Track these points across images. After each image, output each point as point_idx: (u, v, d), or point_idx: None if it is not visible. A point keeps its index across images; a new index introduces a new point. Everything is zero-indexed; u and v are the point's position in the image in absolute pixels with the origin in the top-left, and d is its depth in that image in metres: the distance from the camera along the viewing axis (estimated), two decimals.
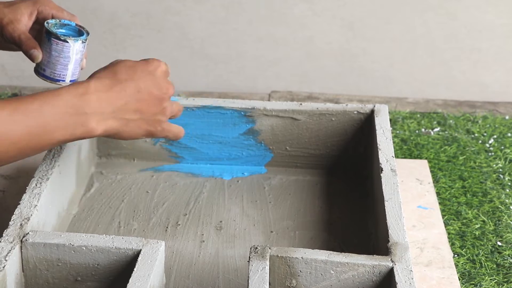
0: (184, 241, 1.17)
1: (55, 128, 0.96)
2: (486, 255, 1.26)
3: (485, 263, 1.24)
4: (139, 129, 1.04)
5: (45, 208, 1.08)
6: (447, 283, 1.16)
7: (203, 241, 1.17)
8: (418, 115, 1.70)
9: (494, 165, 1.50)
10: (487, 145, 1.59)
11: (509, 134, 1.63)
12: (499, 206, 1.37)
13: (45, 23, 1.08)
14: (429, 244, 1.24)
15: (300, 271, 0.99)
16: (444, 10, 1.79)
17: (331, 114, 1.27)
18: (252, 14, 1.82)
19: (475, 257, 1.26)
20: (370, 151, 1.25)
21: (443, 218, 1.32)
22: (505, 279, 1.22)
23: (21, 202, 1.05)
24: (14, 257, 0.98)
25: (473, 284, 1.20)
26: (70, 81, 1.10)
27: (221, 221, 1.21)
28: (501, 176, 1.47)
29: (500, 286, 1.20)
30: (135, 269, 0.95)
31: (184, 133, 1.11)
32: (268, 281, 0.94)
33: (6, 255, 0.97)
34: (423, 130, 1.64)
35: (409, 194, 1.35)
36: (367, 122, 1.27)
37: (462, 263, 1.24)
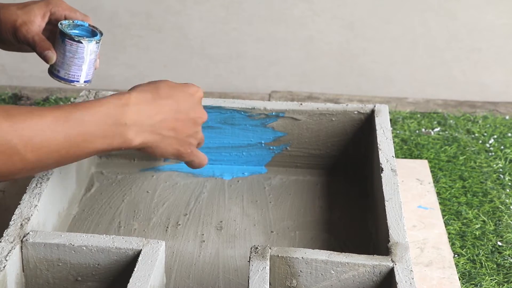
0: (184, 241, 1.17)
1: (94, 138, 0.97)
2: (486, 255, 1.26)
3: (486, 263, 1.24)
4: (171, 147, 1.05)
5: (46, 208, 1.08)
6: (447, 283, 1.16)
7: (204, 241, 1.17)
8: (419, 115, 1.70)
9: (494, 165, 1.50)
10: (487, 145, 1.59)
11: (509, 134, 1.63)
12: (500, 206, 1.38)
13: (59, 24, 1.09)
14: (430, 244, 1.24)
15: (301, 271, 0.99)
16: (444, 10, 1.79)
17: (332, 114, 1.27)
18: (252, 14, 1.82)
19: (475, 257, 1.26)
20: (371, 151, 1.25)
21: (443, 218, 1.32)
22: (506, 279, 1.22)
23: (21, 202, 1.05)
24: (15, 257, 0.98)
25: (473, 284, 1.20)
26: (84, 81, 1.11)
27: (221, 221, 1.21)
28: (501, 176, 1.47)
29: (501, 286, 1.20)
30: (135, 269, 0.95)
31: (207, 162, 1.14)
32: (268, 281, 0.94)
33: (7, 255, 0.97)
34: (423, 130, 1.64)
35: (410, 194, 1.35)
36: (368, 122, 1.27)
37: (462, 263, 1.24)
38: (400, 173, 1.30)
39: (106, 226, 1.19)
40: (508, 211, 1.36)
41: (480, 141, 1.60)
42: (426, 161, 1.46)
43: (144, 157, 1.32)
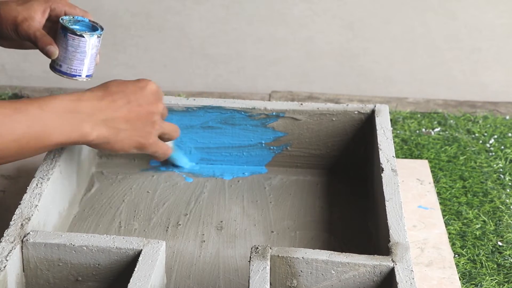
0: (184, 241, 1.17)
1: (52, 130, 1.00)
2: (486, 255, 1.26)
3: (486, 263, 1.24)
4: (129, 139, 1.08)
5: (46, 208, 1.08)
6: (447, 283, 1.16)
7: (204, 241, 1.17)
8: (419, 115, 1.70)
9: (495, 165, 1.50)
10: (488, 145, 1.59)
11: (510, 134, 1.63)
12: (500, 206, 1.38)
13: (60, 19, 1.10)
14: (430, 244, 1.24)
15: (301, 271, 0.99)
16: (444, 10, 1.79)
17: (332, 114, 1.27)
18: (252, 14, 1.82)
19: (475, 257, 1.26)
20: (371, 151, 1.25)
21: (443, 218, 1.32)
22: (506, 279, 1.22)
23: (21, 202, 1.05)
24: (15, 257, 0.98)
25: (473, 284, 1.20)
26: (86, 76, 1.12)
27: (221, 221, 1.21)
28: (502, 176, 1.47)
29: (501, 286, 1.20)
30: (135, 269, 0.95)
31: (171, 152, 1.16)
32: (269, 281, 0.94)
33: (7, 255, 0.97)
34: (423, 130, 1.64)
35: (410, 194, 1.35)
36: (368, 122, 1.27)
37: (462, 263, 1.24)
38: (401, 173, 1.30)
39: (107, 226, 1.19)
40: (509, 211, 1.36)
41: (481, 141, 1.60)
42: (426, 161, 1.46)
43: (145, 157, 1.32)
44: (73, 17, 1.12)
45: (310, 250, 0.99)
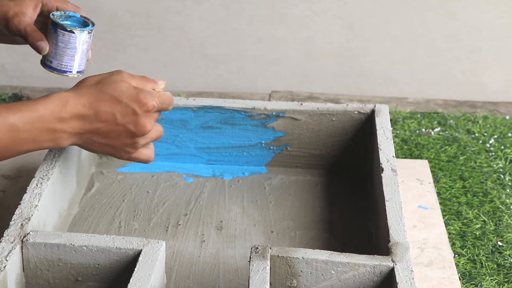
0: (184, 241, 1.17)
1: (25, 142, 0.99)
2: (486, 255, 1.26)
3: (486, 263, 1.24)
4: (102, 150, 1.07)
5: (46, 208, 1.08)
6: (447, 283, 1.16)
7: (204, 241, 1.17)
8: (419, 115, 1.70)
9: (495, 165, 1.50)
10: (488, 145, 1.59)
11: (510, 134, 1.63)
12: (500, 206, 1.38)
13: (51, 15, 1.09)
14: (430, 244, 1.24)
15: (301, 271, 0.99)
16: (444, 10, 1.79)
17: (332, 114, 1.27)
18: (252, 14, 1.82)
19: (475, 257, 1.26)
20: (371, 151, 1.25)
21: (443, 218, 1.32)
22: (506, 279, 1.22)
23: (21, 202, 1.05)
24: (15, 257, 0.98)
25: (473, 284, 1.20)
26: (77, 72, 1.11)
27: (221, 221, 1.21)
28: (502, 176, 1.47)
29: (501, 286, 1.20)
30: (135, 269, 0.95)
31: (153, 159, 1.11)
32: (269, 281, 0.94)
33: (7, 255, 0.97)
34: (423, 130, 1.64)
35: (410, 194, 1.35)
36: (368, 122, 1.27)
37: (462, 263, 1.24)
38: (400, 173, 1.30)
39: (107, 226, 1.19)
40: (509, 211, 1.36)
41: (480, 141, 1.60)
42: (426, 161, 1.46)
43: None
44: (65, 13, 1.11)
45: (310, 250, 0.99)
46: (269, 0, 1.80)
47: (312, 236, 1.18)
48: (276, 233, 1.19)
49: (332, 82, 1.87)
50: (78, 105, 1.01)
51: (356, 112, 1.27)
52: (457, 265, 1.23)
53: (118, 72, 1.06)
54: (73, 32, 1.08)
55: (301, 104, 1.28)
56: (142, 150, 1.09)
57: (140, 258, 0.97)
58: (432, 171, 1.46)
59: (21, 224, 1.02)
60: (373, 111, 1.27)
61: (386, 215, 1.05)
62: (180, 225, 1.20)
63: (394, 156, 1.16)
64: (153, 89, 1.08)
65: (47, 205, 1.09)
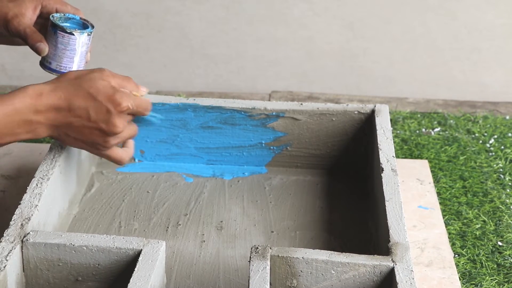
0: (184, 241, 1.17)
1: (5, 133, 1.01)
2: (486, 255, 1.26)
3: (486, 263, 1.24)
4: (77, 145, 1.09)
5: (46, 208, 1.08)
6: (447, 283, 1.16)
7: (204, 241, 1.17)
8: (419, 115, 1.70)
9: (495, 165, 1.50)
10: (488, 145, 1.59)
11: (510, 134, 1.63)
12: (500, 206, 1.38)
13: (51, 16, 1.10)
14: (430, 244, 1.24)
15: (301, 271, 0.99)
16: (444, 10, 1.79)
17: (332, 114, 1.27)
18: (252, 14, 1.82)
19: (475, 257, 1.26)
20: (371, 151, 1.25)
21: (443, 218, 1.32)
22: (506, 279, 1.22)
23: (21, 202, 1.05)
24: (15, 257, 0.98)
25: (473, 284, 1.20)
26: None
27: (221, 221, 1.21)
28: (502, 176, 1.47)
29: (501, 286, 1.20)
30: (136, 269, 0.95)
31: (126, 162, 1.12)
32: (269, 281, 0.94)
33: (7, 255, 0.97)
34: (423, 130, 1.64)
35: (410, 194, 1.35)
36: (368, 122, 1.27)
37: (462, 263, 1.24)
38: (401, 173, 1.30)
39: (107, 226, 1.19)
40: (509, 211, 1.36)
41: (481, 141, 1.60)
42: (426, 161, 1.46)
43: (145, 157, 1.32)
44: (64, 15, 1.12)
45: (310, 250, 0.99)
46: (269, 0, 1.80)
47: (312, 236, 1.18)
48: (276, 233, 1.19)
49: (332, 82, 1.87)
50: (53, 97, 1.03)
51: (356, 112, 1.27)
52: (457, 265, 1.23)
53: (100, 69, 1.07)
54: (73, 34, 1.09)
55: (301, 104, 1.28)
56: (115, 149, 1.10)
57: (140, 258, 0.97)
58: (432, 171, 1.46)
59: (21, 224, 1.02)
60: (373, 111, 1.27)
61: (386, 215, 1.05)
62: (180, 225, 1.20)
63: (394, 156, 1.16)
64: (133, 93, 1.08)
65: (47, 205, 1.09)
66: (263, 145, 1.30)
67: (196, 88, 1.88)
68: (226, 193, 1.27)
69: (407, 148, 1.56)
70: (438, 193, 1.40)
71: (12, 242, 0.99)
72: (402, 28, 1.81)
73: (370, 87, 1.87)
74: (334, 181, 1.30)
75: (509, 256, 1.26)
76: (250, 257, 0.97)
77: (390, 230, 1.02)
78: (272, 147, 1.31)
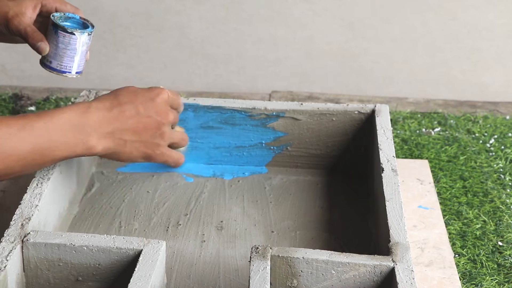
0: (185, 241, 1.17)
1: (57, 145, 1.01)
2: (487, 255, 1.26)
3: (486, 263, 1.24)
4: (137, 151, 1.10)
5: (46, 208, 1.08)
6: (448, 283, 1.16)
7: (204, 241, 1.17)
8: (419, 115, 1.70)
9: (495, 165, 1.50)
10: (488, 145, 1.59)
11: (510, 134, 1.63)
12: (500, 206, 1.38)
13: (51, 16, 1.11)
14: (430, 244, 1.24)
15: (301, 271, 0.99)
16: (444, 10, 1.79)
17: (332, 114, 1.27)
18: (252, 14, 1.82)
19: (476, 257, 1.26)
20: (371, 151, 1.25)
21: (444, 218, 1.32)
22: (506, 279, 1.22)
23: (22, 202, 1.05)
24: (15, 257, 0.98)
25: (474, 284, 1.20)
26: (76, 72, 1.13)
27: (222, 221, 1.21)
28: (502, 176, 1.47)
29: (501, 286, 1.20)
30: (136, 269, 0.95)
31: (184, 160, 1.19)
32: (269, 281, 0.94)
33: (7, 255, 0.97)
34: (423, 130, 1.64)
35: (410, 194, 1.35)
36: (368, 122, 1.27)
37: (463, 263, 1.24)
38: (401, 173, 1.30)
39: (107, 226, 1.19)
40: (509, 211, 1.36)
41: (481, 141, 1.60)
42: (426, 161, 1.46)
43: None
44: (64, 14, 1.13)
45: (310, 250, 0.99)
46: (269, 0, 1.80)
47: (312, 236, 1.18)
48: (276, 233, 1.19)
49: (332, 82, 1.87)
50: (101, 107, 1.05)
51: (356, 112, 1.27)
52: (457, 265, 1.23)
53: (129, 87, 1.12)
54: (74, 34, 1.10)
55: (301, 104, 1.28)
56: (172, 151, 1.15)
57: (140, 258, 0.97)
58: (432, 171, 1.46)
59: (22, 224, 1.02)
60: (373, 111, 1.27)
61: (386, 215, 1.05)
62: (180, 225, 1.20)
63: (395, 156, 1.16)
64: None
65: (48, 205, 1.09)
66: (263, 145, 1.31)
67: (196, 88, 1.88)
68: (226, 193, 1.27)
69: (407, 148, 1.56)
70: (438, 193, 1.40)
71: (13, 242, 0.99)
72: (402, 28, 1.81)
73: (370, 87, 1.87)
74: (334, 181, 1.30)
75: (510, 256, 1.26)
76: (250, 257, 0.97)
77: (390, 230, 1.02)
78: (272, 147, 1.31)
